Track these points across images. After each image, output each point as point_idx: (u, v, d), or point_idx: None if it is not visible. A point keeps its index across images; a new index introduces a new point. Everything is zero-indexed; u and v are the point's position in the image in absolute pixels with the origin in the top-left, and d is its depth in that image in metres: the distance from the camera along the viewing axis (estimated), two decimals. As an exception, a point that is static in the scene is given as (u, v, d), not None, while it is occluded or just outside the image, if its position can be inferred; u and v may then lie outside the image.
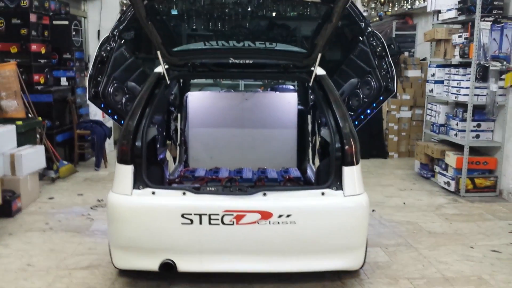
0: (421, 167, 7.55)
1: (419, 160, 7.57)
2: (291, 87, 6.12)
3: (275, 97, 5.58)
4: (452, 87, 6.76)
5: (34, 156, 5.92)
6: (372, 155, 8.83)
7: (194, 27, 5.65)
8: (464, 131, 6.53)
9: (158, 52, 3.98)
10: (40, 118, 6.70)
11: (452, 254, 4.57)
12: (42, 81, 7.34)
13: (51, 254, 4.43)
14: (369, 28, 4.63)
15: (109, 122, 8.26)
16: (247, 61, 4.13)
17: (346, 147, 3.69)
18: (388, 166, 8.34)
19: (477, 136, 6.57)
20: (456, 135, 6.71)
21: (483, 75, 6.24)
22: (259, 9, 5.24)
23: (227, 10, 5.34)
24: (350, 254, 3.75)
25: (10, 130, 5.74)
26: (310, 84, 4.18)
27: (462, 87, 6.52)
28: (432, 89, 7.37)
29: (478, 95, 6.37)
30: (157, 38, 3.88)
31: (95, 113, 8.35)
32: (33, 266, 4.19)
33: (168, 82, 4.14)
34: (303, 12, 5.56)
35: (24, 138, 6.14)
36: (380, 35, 4.64)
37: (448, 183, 6.68)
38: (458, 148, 6.70)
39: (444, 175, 6.82)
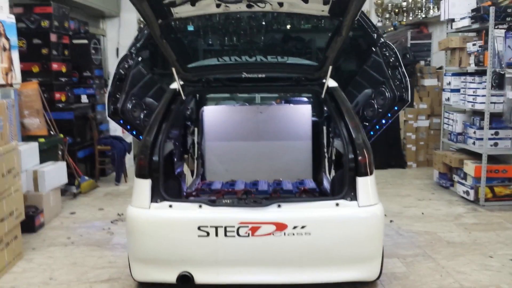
0: (439, 176, 7.49)
1: (438, 170, 7.52)
2: (306, 99, 6.17)
3: (290, 110, 5.63)
4: (469, 95, 6.72)
5: (56, 172, 6.06)
6: (391, 165, 8.81)
7: (210, 42, 5.77)
8: (482, 139, 6.48)
9: (173, 69, 4.09)
10: (61, 135, 6.88)
11: (470, 263, 4.53)
12: (63, 99, 7.53)
13: (73, 268, 4.53)
14: (381, 39, 4.67)
15: (129, 138, 8.40)
16: (260, 75, 4.21)
17: (360, 157, 3.72)
18: (407, 176, 8.30)
19: (495, 144, 6.51)
20: (474, 143, 6.66)
21: (499, 82, 6.20)
22: (271, 24, 5.34)
23: (241, 25, 5.44)
24: (365, 265, 3.75)
25: (33, 147, 5.90)
26: (322, 96, 4.23)
27: (478, 95, 6.48)
28: (448, 98, 7.34)
29: (494, 103, 6.33)
30: (172, 56, 3.98)
31: (115, 129, 8.50)
32: (55, 279, 4.29)
33: (184, 97, 4.24)
34: (316, 25, 5.63)
35: (47, 154, 6.29)
36: (393, 45, 4.67)
37: (467, 192, 6.61)
38: (477, 156, 6.64)
39: (463, 184, 6.76)
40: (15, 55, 5.71)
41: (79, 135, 7.65)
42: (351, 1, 3.39)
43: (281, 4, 3.71)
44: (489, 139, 6.45)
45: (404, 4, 10.46)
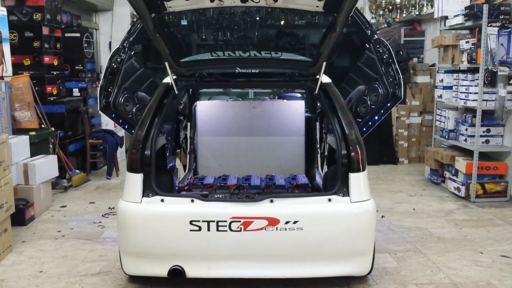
0: (431, 172, 7.54)
1: (429, 166, 7.56)
2: (299, 95, 6.17)
3: (283, 105, 5.63)
4: (461, 92, 6.76)
5: (47, 166, 6.03)
6: (383, 161, 8.85)
7: (203, 37, 5.75)
8: (473, 136, 6.52)
9: (166, 63, 4.06)
10: (53, 129, 6.84)
11: (461, 259, 4.56)
12: (54, 92, 7.49)
13: (63, 261, 4.51)
14: (375, 35, 4.67)
15: (121, 132, 8.38)
16: (253, 71, 4.20)
17: (352, 153, 3.72)
18: (398, 172, 8.34)
19: (487, 141, 6.56)
20: (465, 140, 6.69)
21: (491, 80, 6.24)
22: (265, 19, 5.32)
23: (235, 20, 5.43)
24: (357, 259, 3.77)
25: (23, 141, 5.86)
26: (316, 92, 4.23)
27: (470, 93, 6.52)
28: (441, 95, 7.37)
29: (486, 100, 6.36)
30: (165, 50, 3.95)
31: (107, 122, 8.48)
32: (45, 272, 4.27)
33: (176, 92, 4.22)
34: (310, 20, 5.63)
35: (37, 148, 6.26)
36: (386, 42, 4.69)
37: (458, 189, 6.66)
38: (468, 153, 6.68)
39: (454, 180, 6.80)
40: (7, 48, 5.65)
41: (70, 128, 7.61)
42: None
43: (275, -1, 3.69)
44: (481, 136, 6.50)
45: (398, 1, 10.48)
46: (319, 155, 5.50)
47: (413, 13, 9.95)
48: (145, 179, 3.73)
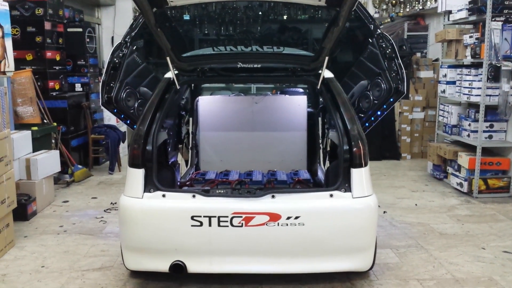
0: (433, 168, 7.52)
1: (432, 161, 7.54)
2: (301, 90, 6.15)
3: (285, 100, 5.60)
4: (464, 87, 6.73)
5: (49, 161, 6.04)
6: (385, 157, 8.83)
7: (205, 32, 5.73)
8: (476, 131, 6.50)
9: (168, 58, 4.05)
10: (55, 124, 6.85)
11: (463, 255, 4.55)
12: (57, 87, 7.49)
13: (65, 256, 4.52)
14: (378, 30, 4.64)
15: (123, 127, 8.37)
16: (255, 66, 4.18)
17: (354, 149, 3.70)
18: (401, 168, 8.32)
19: (490, 137, 6.53)
20: (468, 135, 6.67)
21: (495, 75, 6.20)
22: (268, 13, 5.30)
23: (237, 14, 5.41)
24: (359, 255, 3.76)
25: (25, 136, 5.87)
26: (318, 87, 4.21)
27: (474, 88, 6.48)
28: (444, 90, 7.34)
29: (490, 95, 6.33)
30: (167, 44, 3.94)
31: (109, 118, 8.49)
32: (47, 267, 4.29)
33: (178, 87, 4.21)
34: (313, 15, 5.60)
35: (40, 143, 6.26)
36: (389, 37, 4.65)
37: (461, 184, 6.64)
38: (471, 148, 6.66)
39: (456, 176, 6.79)
40: (9, 43, 5.65)
41: (72, 123, 7.62)
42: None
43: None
44: (484, 131, 6.48)
45: (401, -5, 10.43)
46: (321, 151, 5.48)
47: (416, 8, 9.90)
48: (147, 175, 3.73)
